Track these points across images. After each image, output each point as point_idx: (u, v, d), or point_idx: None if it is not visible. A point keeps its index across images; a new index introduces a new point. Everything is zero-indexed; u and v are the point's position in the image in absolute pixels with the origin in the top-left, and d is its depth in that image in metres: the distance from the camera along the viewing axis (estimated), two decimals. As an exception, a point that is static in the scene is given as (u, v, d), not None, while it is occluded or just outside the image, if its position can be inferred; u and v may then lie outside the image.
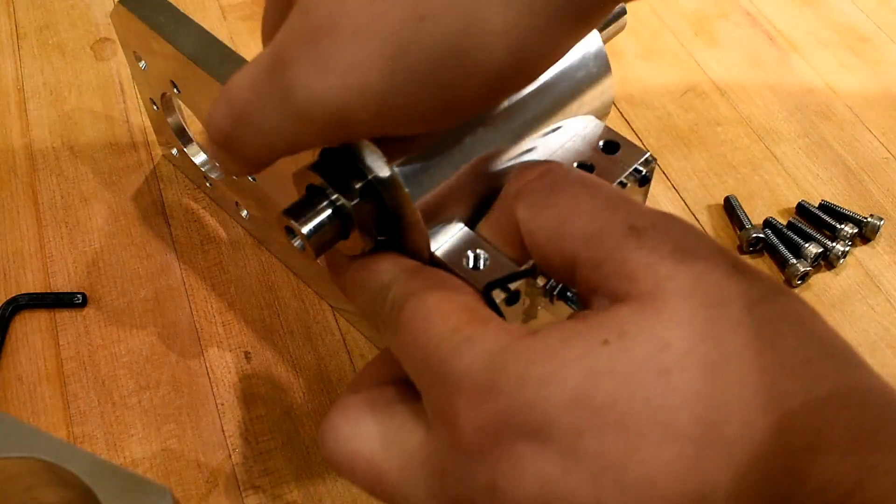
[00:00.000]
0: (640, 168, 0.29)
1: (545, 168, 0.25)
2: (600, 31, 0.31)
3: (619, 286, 0.21)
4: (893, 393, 0.19)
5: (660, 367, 0.19)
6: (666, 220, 0.22)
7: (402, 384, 0.25)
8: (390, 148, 0.25)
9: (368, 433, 0.23)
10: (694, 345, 0.19)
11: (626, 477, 0.19)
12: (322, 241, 0.26)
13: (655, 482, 0.18)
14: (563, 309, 0.27)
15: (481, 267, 0.27)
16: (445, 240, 0.28)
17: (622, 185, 0.29)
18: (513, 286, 0.26)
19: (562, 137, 0.29)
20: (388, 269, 0.25)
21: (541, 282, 0.26)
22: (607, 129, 0.30)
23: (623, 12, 0.32)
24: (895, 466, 0.17)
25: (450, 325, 0.22)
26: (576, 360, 0.20)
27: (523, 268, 0.25)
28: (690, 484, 0.18)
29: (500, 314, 0.24)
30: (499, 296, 0.26)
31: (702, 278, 0.20)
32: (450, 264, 0.27)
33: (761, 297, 0.20)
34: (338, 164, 0.26)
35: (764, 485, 0.18)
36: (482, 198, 0.27)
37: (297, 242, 0.27)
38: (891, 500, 0.17)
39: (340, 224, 0.26)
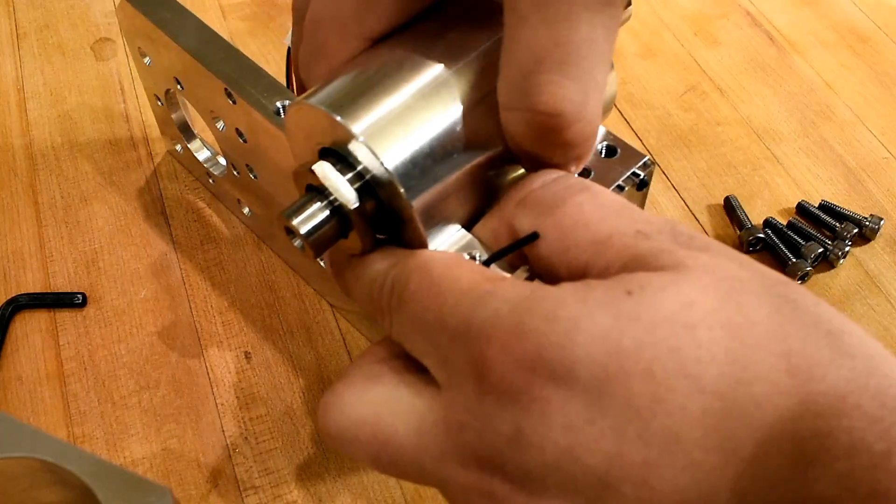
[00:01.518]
0: (639, 172, 0.29)
1: (547, 177, 0.25)
2: None
3: (645, 261, 0.21)
4: None
5: (685, 322, 0.19)
6: (672, 225, 0.22)
7: (404, 359, 0.24)
8: (389, 148, 0.25)
9: (375, 399, 0.23)
10: (719, 306, 0.19)
11: (650, 429, 0.18)
12: (321, 241, 0.27)
13: (680, 436, 0.18)
14: None
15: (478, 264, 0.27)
16: (442, 241, 0.28)
17: (620, 188, 0.29)
18: None
19: None
20: (384, 256, 0.25)
21: None
22: (606, 133, 0.30)
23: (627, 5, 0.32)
24: None
25: (464, 285, 0.22)
26: (602, 304, 0.19)
27: (519, 240, 0.25)
28: (715, 440, 0.18)
29: None
30: None
31: (719, 263, 0.20)
32: None
33: (777, 281, 0.20)
34: (336, 165, 0.26)
35: (790, 446, 0.18)
36: (480, 200, 0.27)
37: (296, 242, 0.27)
38: None
39: (339, 224, 0.26)
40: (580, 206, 0.23)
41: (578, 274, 0.22)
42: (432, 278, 0.23)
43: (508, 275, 0.23)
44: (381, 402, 0.23)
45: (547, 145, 0.24)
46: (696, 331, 0.19)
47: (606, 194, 0.23)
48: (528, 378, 0.19)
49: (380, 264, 0.25)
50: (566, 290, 0.20)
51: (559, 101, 0.23)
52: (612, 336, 0.19)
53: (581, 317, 0.19)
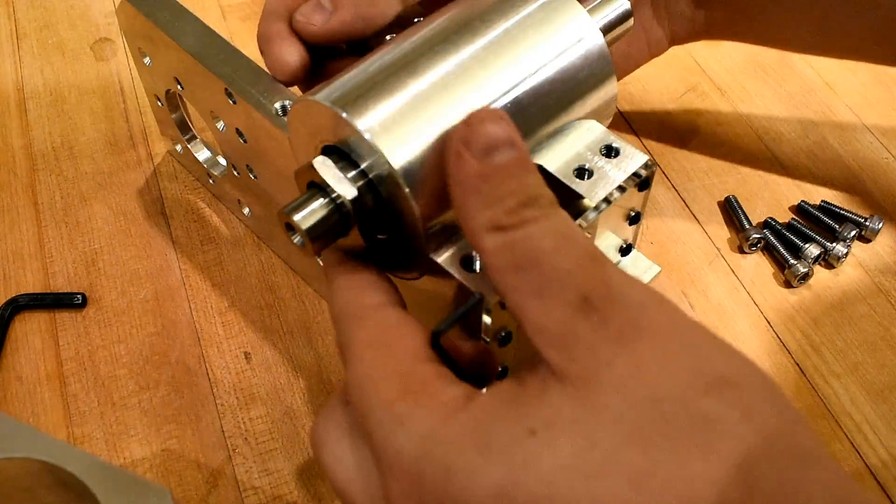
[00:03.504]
0: (640, 172, 0.29)
1: (521, 208, 0.23)
2: (605, 32, 0.31)
3: (557, 360, 0.20)
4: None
5: (584, 470, 0.19)
6: (624, 292, 0.21)
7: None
8: (394, 146, 0.25)
9: (345, 458, 0.24)
10: (621, 447, 0.19)
11: None
12: (321, 238, 0.27)
13: None
14: None
15: (476, 269, 0.27)
16: (442, 240, 0.28)
17: (622, 189, 0.29)
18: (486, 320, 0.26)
19: (563, 141, 0.30)
20: (348, 303, 0.26)
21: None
22: (608, 133, 0.30)
23: (629, 14, 0.32)
24: None
25: (383, 396, 0.22)
26: (500, 450, 0.19)
27: (465, 306, 0.25)
28: None
29: (449, 359, 0.24)
30: (493, 340, 0.27)
31: (641, 366, 0.20)
32: (444, 265, 0.27)
33: (703, 389, 0.19)
34: (339, 162, 0.26)
35: None
36: None
37: (297, 239, 0.27)
38: None
39: (340, 221, 0.26)
40: (538, 254, 0.21)
41: (516, 314, 0.22)
42: (361, 376, 0.23)
43: (432, 371, 0.23)
44: (351, 465, 0.24)
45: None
46: (595, 480, 0.18)
47: (576, 243, 0.22)
48: None
49: (338, 305, 0.26)
50: (471, 423, 0.20)
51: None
52: (507, 491, 0.19)
53: (477, 468, 0.19)
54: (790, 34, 0.44)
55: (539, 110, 0.28)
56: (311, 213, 0.26)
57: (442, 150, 0.26)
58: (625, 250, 0.33)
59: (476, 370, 0.25)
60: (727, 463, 0.18)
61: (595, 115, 0.30)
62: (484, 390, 0.22)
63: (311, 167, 0.26)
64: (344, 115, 0.26)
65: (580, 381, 0.20)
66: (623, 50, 0.45)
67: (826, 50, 0.45)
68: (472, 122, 0.24)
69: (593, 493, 0.18)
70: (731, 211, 0.47)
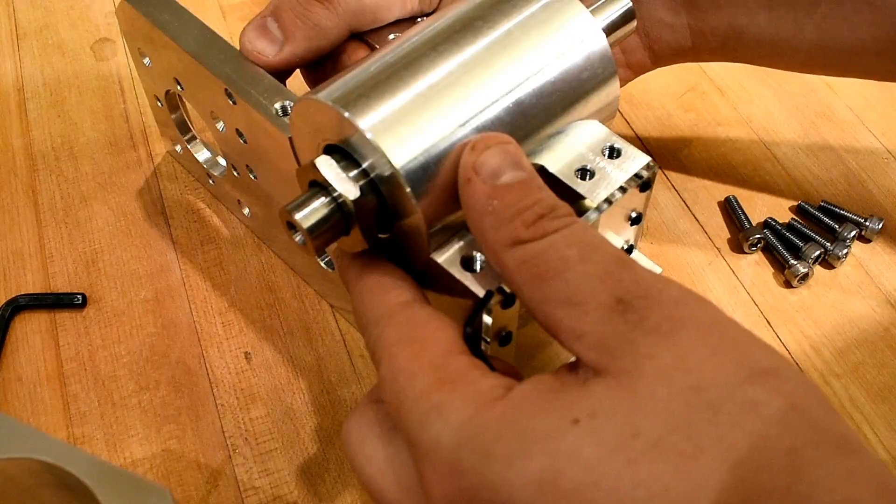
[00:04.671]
0: (642, 173, 0.29)
1: (540, 216, 0.23)
2: (608, 33, 0.31)
3: (598, 360, 0.20)
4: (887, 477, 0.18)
5: (628, 456, 0.18)
6: (658, 289, 0.21)
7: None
8: (396, 145, 0.25)
9: (375, 453, 0.24)
10: (665, 434, 0.19)
11: None
12: (323, 237, 0.27)
13: None
14: None
15: (477, 269, 0.27)
16: (444, 240, 0.28)
17: (623, 190, 0.29)
18: (494, 322, 0.26)
19: (564, 141, 0.29)
20: (374, 306, 0.26)
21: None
22: (610, 134, 0.30)
23: (632, 15, 0.32)
24: None
25: (418, 388, 0.22)
26: (543, 439, 0.19)
27: (479, 303, 0.25)
28: None
29: (480, 353, 0.24)
30: (492, 341, 0.27)
31: (684, 356, 0.20)
32: (445, 265, 0.27)
33: (747, 378, 0.19)
34: (341, 161, 0.26)
35: None
36: None
37: (298, 238, 0.27)
38: None
39: (341, 220, 0.26)
40: (565, 262, 0.22)
41: (551, 327, 0.22)
42: (395, 371, 0.23)
43: (467, 362, 0.23)
44: (381, 459, 0.24)
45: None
46: (639, 466, 0.18)
47: (599, 249, 0.22)
48: None
49: (369, 313, 0.26)
50: (511, 412, 0.20)
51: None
52: (549, 478, 0.19)
53: (518, 455, 0.19)
54: (783, 53, 0.41)
55: (541, 111, 0.28)
56: (312, 212, 0.26)
57: (442, 150, 0.26)
58: (626, 251, 0.33)
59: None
60: (775, 449, 0.18)
61: (597, 115, 0.30)
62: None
63: (313, 166, 0.26)
64: (346, 114, 0.26)
65: (622, 374, 0.20)
66: None
67: (823, 66, 0.42)
68: (478, 147, 0.24)
69: (638, 478, 0.18)
70: (731, 211, 0.47)
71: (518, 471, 0.19)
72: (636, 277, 0.21)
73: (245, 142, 0.37)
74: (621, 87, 0.45)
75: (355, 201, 0.26)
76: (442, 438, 0.20)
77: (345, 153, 0.27)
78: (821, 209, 0.47)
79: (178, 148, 0.47)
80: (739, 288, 0.44)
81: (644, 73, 0.44)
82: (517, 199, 0.23)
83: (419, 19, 0.37)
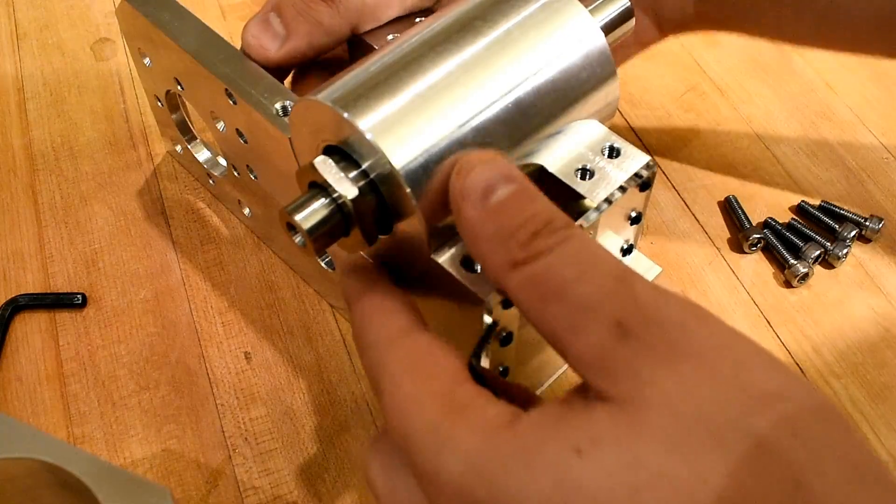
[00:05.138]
0: (642, 173, 0.29)
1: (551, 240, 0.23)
2: (606, 32, 0.31)
3: (601, 385, 0.20)
4: None
5: (631, 486, 0.19)
6: (659, 308, 0.21)
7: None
8: (396, 146, 0.25)
9: (398, 488, 0.24)
10: (668, 464, 0.19)
11: None
12: (323, 238, 0.27)
13: None
14: None
15: (478, 269, 0.27)
16: (443, 241, 0.28)
17: (623, 189, 0.29)
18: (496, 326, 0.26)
19: (564, 141, 0.29)
20: (375, 329, 0.25)
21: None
22: (609, 133, 0.30)
23: (630, 14, 0.32)
24: None
25: (426, 418, 0.22)
26: (547, 468, 0.19)
27: (485, 331, 0.26)
28: None
29: (482, 378, 0.24)
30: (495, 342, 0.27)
31: (685, 383, 0.19)
32: (445, 266, 0.27)
33: (749, 404, 0.19)
34: (340, 162, 0.26)
35: None
36: None
37: (298, 239, 0.27)
38: None
39: (341, 221, 0.26)
40: (563, 282, 0.21)
41: (553, 340, 0.22)
42: (400, 400, 0.23)
43: (472, 391, 0.23)
44: (401, 492, 0.24)
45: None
46: (641, 495, 0.18)
47: (602, 265, 0.22)
48: None
49: (370, 334, 0.25)
50: (518, 442, 0.20)
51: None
52: None
53: (524, 487, 0.19)
54: (787, 23, 0.41)
55: (540, 110, 0.28)
56: (312, 213, 0.26)
57: (442, 151, 0.26)
58: (626, 251, 0.33)
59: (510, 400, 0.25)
60: (777, 478, 0.18)
61: (596, 115, 0.30)
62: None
63: (313, 167, 0.26)
64: (345, 114, 0.26)
65: (624, 401, 0.20)
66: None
67: (825, 42, 0.42)
68: (463, 171, 0.24)
69: None
70: (731, 211, 0.47)
71: (527, 501, 0.19)
72: (636, 296, 0.21)
73: (245, 142, 0.37)
74: (629, 61, 0.45)
75: (354, 201, 0.26)
76: (453, 472, 0.21)
77: (344, 154, 0.27)
78: (821, 209, 0.47)
79: (179, 148, 0.47)
80: (739, 288, 0.44)
81: (652, 44, 0.44)
82: (509, 219, 0.22)
83: (418, 18, 0.37)
